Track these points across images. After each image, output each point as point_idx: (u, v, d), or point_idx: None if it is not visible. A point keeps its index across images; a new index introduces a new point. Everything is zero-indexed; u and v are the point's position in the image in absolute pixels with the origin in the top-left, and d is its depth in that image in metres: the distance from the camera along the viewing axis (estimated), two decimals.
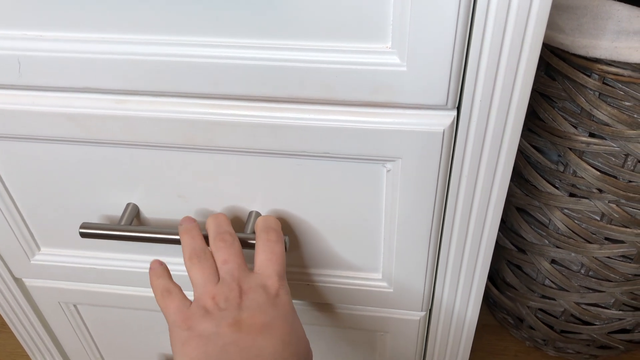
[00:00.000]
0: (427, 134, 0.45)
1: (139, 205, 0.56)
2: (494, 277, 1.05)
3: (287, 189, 0.51)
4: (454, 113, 0.45)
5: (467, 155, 0.46)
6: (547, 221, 0.86)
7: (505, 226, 0.95)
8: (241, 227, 0.55)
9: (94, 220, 0.57)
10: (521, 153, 0.85)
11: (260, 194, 0.52)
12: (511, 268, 0.99)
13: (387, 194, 0.50)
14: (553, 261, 0.90)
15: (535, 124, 0.80)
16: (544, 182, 0.83)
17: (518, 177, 0.87)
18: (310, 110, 0.45)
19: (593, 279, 0.89)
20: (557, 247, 0.87)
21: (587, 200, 0.80)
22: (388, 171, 0.48)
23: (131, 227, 0.53)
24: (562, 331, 1.00)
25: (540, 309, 0.99)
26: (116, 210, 0.56)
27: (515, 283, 0.99)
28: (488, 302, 1.12)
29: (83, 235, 0.53)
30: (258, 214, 0.54)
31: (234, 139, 0.47)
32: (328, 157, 0.48)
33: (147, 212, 0.56)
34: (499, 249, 0.98)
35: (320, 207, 0.52)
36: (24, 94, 0.48)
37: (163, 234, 0.53)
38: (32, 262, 0.62)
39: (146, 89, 0.46)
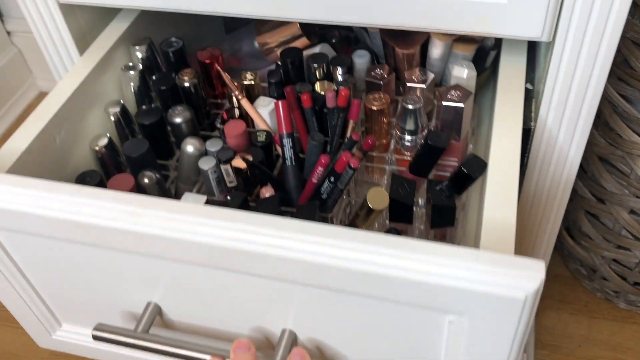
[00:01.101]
0: (503, 299, 0.38)
1: (160, 305, 0.54)
2: (571, 227, 1.07)
3: (326, 317, 0.48)
4: (541, 275, 0.39)
5: (555, 94, 0.50)
6: (629, 171, 0.88)
7: (586, 175, 0.97)
8: (271, 341, 0.53)
9: (115, 312, 0.57)
10: (608, 102, 0.86)
11: (296, 316, 0.49)
12: (588, 218, 1.01)
13: (447, 346, 0.45)
14: (632, 211, 0.92)
15: (625, 72, 0.81)
16: (629, 131, 0.85)
17: (603, 126, 0.89)
18: (373, 252, 0.42)
19: None
20: (637, 197, 0.89)
21: None
22: (450, 323, 0.43)
23: (147, 335, 0.51)
24: (635, 283, 1.02)
25: (615, 260, 1.01)
26: (138, 306, 0.54)
27: (592, 233, 1.01)
28: (562, 252, 1.15)
29: (95, 338, 0.51)
30: (292, 333, 0.51)
31: (272, 271, 0.44)
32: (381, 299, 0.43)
33: (171, 312, 0.55)
34: (577, 198, 1.00)
35: (362, 342, 0.48)
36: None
37: (181, 349, 0.49)
38: (53, 337, 0.65)
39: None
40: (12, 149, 0.59)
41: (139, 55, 0.72)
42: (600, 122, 0.89)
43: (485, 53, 0.71)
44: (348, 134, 0.65)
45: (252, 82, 0.71)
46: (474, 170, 0.58)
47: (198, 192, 0.67)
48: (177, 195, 0.69)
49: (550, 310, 1.10)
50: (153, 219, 0.46)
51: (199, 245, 0.45)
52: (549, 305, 1.10)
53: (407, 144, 0.65)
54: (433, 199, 0.58)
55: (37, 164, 0.61)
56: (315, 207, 0.58)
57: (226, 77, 0.67)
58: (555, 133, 0.62)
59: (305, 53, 0.73)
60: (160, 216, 0.46)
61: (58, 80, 0.76)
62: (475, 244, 0.47)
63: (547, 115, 0.61)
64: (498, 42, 0.70)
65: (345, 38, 0.86)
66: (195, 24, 0.94)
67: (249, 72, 0.72)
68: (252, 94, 0.71)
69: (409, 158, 0.66)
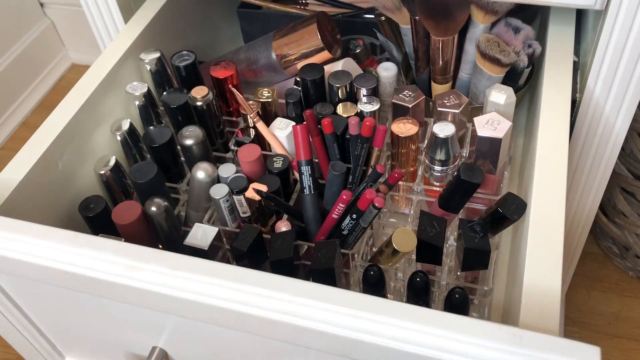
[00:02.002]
0: None
1: (167, 351, 0.51)
2: (604, 205, 1.02)
3: None
4: None
5: (604, 65, 0.49)
6: None
7: (624, 152, 0.92)
8: None
9: (119, 352, 0.54)
10: None
11: None
12: (624, 195, 0.96)
13: None
14: None
15: None
16: None
17: None
18: (404, 327, 0.38)
19: None
20: None
21: None
22: None
23: None
24: None
25: None
26: (143, 349, 0.52)
27: (627, 210, 0.96)
28: (594, 230, 1.10)
29: None
30: None
31: (283, 336, 0.41)
32: None
33: (178, 357, 0.52)
34: (613, 175, 0.95)
35: None
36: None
37: None
38: None
39: None
40: (9, 178, 0.55)
41: (148, 68, 0.67)
42: None
43: (516, 74, 0.64)
44: (372, 162, 0.59)
45: (269, 100, 0.66)
46: (511, 211, 0.52)
47: (210, 219, 0.63)
48: (186, 222, 0.64)
49: (580, 288, 1.08)
50: (153, 274, 0.41)
51: (201, 306, 0.40)
52: (580, 282, 1.08)
53: (437, 174, 0.59)
54: (465, 242, 0.52)
55: (37, 191, 0.57)
56: (336, 246, 0.53)
57: (240, 98, 0.62)
58: (602, 105, 0.60)
59: (327, 69, 0.67)
60: (162, 272, 0.41)
61: (103, 49, 0.74)
62: (510, 298, 0.42)
63: (594, 87, 0.59)
64: (532, 61, 0.64)
65: (370, 47, 0.80)
66: (211, 31, 0.89)
67: (265, 89, 0.66)
68: (268, 112, 0.66)
69: (438, 189, 0.60)
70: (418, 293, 0.54)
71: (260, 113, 0.64)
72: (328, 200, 0.60)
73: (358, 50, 0.75)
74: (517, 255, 0.53)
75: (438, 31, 0.64)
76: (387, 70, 0.73)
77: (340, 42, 0.73)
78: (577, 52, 0.64)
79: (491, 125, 0.54)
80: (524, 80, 0.69)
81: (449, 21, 0.63)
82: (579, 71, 0.63)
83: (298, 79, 0.67)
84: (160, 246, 0.62)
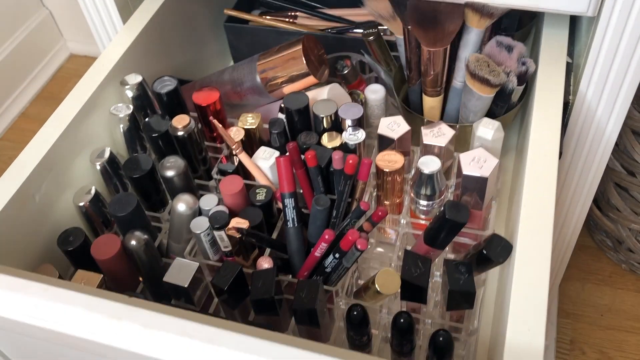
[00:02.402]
0: None
1: None
2: (598, 199, 1.04)
3: None
4: None
5: (596, 68, 0.52)
6: None
7: (618, 148, 0.93)
8: None
9: None
10: None
11: None
12: (617, 190, 0.97)
13: None
14: None
15: None
16: None
17: (638, 100, 0.85)
18: None
19: None
20: None
21: None
22: None
23: None
24: None
25: None
26: None
27: (620, 205, 0.97)
28: (588, 223, 1.11)
29: None
30: None
31: None
32: None
33: None
34: (607, 170, 0.96)
35: None
36: None
37: None
38: None
39: None
40: None
41: (130, 94, 0.66)
42: (636, 96, 0.84)
43: (505, 94, 0.63)
44: (357, 196, 0.58)
45: (253, 127, 0.64)
46: (497, 254, 0.51)
47: (191, 250, 0.61)
48: (168, 253, 0.63)
49: (574, 280, 1.09)
50: (125, 333, 0.40)
51: None
52: (573, 275, 1.10)
53: (423, 208, 0.58)
54: (450, 284, 0.51)
55: (13, 228, 0.56)
56: (318, 285, 0.52)
57: (222, 130, 0.60)
58: (595, 107, 0.62)
59: (313, 94, 0.66)
60: (134, 330, 0.40)
61: (102, 49, 0.74)
62: (496, 334, 0.40)
63: (587, 89, 0.61)
64: (525, 79, 0.63)
65: (358, 66, 0.78)
66: (197, 45, 0.87)
67: (249, 115, 0.65)
68: (252, 138, 0.65)
69: (424, 222, 0.59)
70: (402, 333, 0.53)
71: (243, 140, 0.63)
72: (312, 233, 0.59)
73: (346, 72, 0.74)
74: (502, 298, 0.52)
75: (428, 41, 0.62)
76: (375, 93, 0.72)
77: (327, 64, 0.71)
78: (571, 53, 0.64)
79: (477, 162, 0.53)
80: (517, 97, 0.68)
81: (437, 31, 0.61)
82: (572, 73, 0.64)
83: (282, 105, 0.65)
84: (141, 279, 0.61)
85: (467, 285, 0.52)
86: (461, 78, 0.66)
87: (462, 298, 0.52)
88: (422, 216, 0.59)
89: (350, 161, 0.53)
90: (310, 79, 0.67)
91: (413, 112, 0.68)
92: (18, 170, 0.57)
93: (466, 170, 0.53)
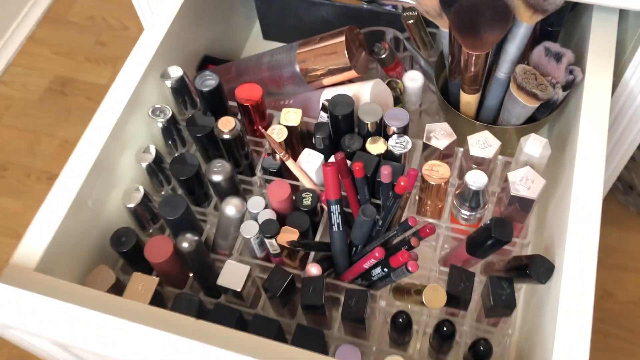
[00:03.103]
0: None
1: None
2: None
3: None
4: None
5: None
6: None
7: None
8: None
9: None
10: None
11: None
12: None
13: None
14: None
15: None
16: None
17: None
18: None
19: None
20: None
21: None
22: None
23: None
24: None
25: None
26: None
27: (636, 154, 0.99)
28: None
29: None
30: None
31: None
32: None
33: None
34: None
35: None
36: None
37: None
38: None
39: None
40: (41, 231, 0.55)
41: (169, 85, 0.65)
42: None
43: (550, 104, 0.63)
44: (402, 204, 0.60)
45: (295, 124, 0.64)
46: (539, 275, 0.54)
47: (238, 248, 0.64)
48: (214, 248, 0.65)
49: None
50: None
51: None
52: None
53: (465, 216, 0.60)
54: (493, 298, 0.54)
55: (71, 236, 0.57)
56: (367, 296, 0.55)
57: (271, 139, 0.61)
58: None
59: (356, 90, 0.65)
60: None
61: None
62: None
63: (630, 78, 0.63)
64: (571, 86, 0.63)
65: (394, 45, 0.77)
66: (226, 17, 0.85)
67: (291, 110, 0.65)
68: (294, 134, 0.65)
69: (464, 228, 0.61)
70: (444, 338, 0.57)
71: (286, 146, 0.64)
72: (356, 236, 0.61)
73: (383, 55, 0.73)
74: (541, 315, 0.55)
75: (467, 46, 0.61)
76: (413, 81, 0.72)
77: (367, 54, 0.70)
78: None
79: (525, 183, 0.54)
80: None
81: (475, 40, 0.60)
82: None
83: (325, 103, 0.65)
84: (191, 274, 0.64)
85: (508, 300, 0.55)
86: (505, 70, 0.65)
87: (502, 310, 0.56)
88: (463, 222, 0.61)
89: (402, 183, 0.54)
90: (352, 73, 0.66)
91: (450, 107, 0.68)
92: (71, 179, 0.58)
93: (514, 191, 0.54)
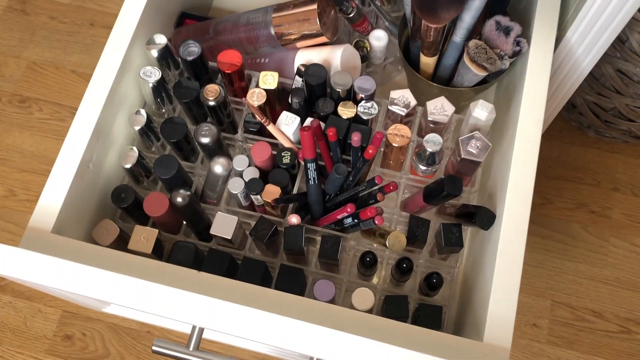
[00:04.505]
0: None
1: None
2: None
3: None
4: None
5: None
6: (625, 39, 0.93)
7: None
8: None
9: None
10: None
11: None
12: None
13: None
14: (618, 70, 0.99)
15: None
16: None
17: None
18: None
19: None
20: (626, 61, 0.96)
21: None
22: None
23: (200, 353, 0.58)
24: (606, 121, 1.14)
25: (594, 102, 1.11)
26: None
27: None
28: None
29: (155, 352, 0.59)
30: None
31: None
32: None
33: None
34: None
35: None
36: None
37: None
38: None
39: None
40: (53, 196, 0.62)
41: (154, 54, 0.70)
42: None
43: (497, 73, 0.71)
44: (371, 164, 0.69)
45: (273, 87, 0.71)
46: (484, 223, 0.65)
47: (227, 199, 0.72)
48: (203, 198, 0.74)
49: None
50: None
51: None
52: None
53: (422, 169, 0.70)
54: (445, 241, 0.66)
55: (78, 199, 0.65)
56: (340, 241, 0.66)
57: (254, 109, 0.68)
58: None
59: (325, 56, 0.72)
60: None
61: None
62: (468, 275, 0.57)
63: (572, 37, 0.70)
64: (517, 55, 0.71)
65: (361, 5, 0.82)
66: None
67: (269, 74, 0.71)
68: (272, 98, 0.72)
69: (421, 178, 0.71)
70: (404, 272, 0.69)
71: (265, 104, 0.71)
72: (329, 189, 0.70)
73: (351, 14, 0.79)
74: (481, 262, 0.67)
75: (426, 21, 0.68)
76: (379, 40, 0.78)
77: (338, 21, 0.76)
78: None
79: (474, 147, 0.64)
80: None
81: (434, 18, 0.67)
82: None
83: (300, 68, 0.72)
84: (185, 222, 0.72)
85: (457, 242, 0.66)
86: (461, 35, 0.73)
87: (452, 249, 0.67)
88: (421, 174, 0.71)
89: (371, 151, 0.63)
90: (323, 38, 0.73)
91: (412, 70, 0.76)
92: (74, 144, 0.64)
93: (465, 154, 0.64)
